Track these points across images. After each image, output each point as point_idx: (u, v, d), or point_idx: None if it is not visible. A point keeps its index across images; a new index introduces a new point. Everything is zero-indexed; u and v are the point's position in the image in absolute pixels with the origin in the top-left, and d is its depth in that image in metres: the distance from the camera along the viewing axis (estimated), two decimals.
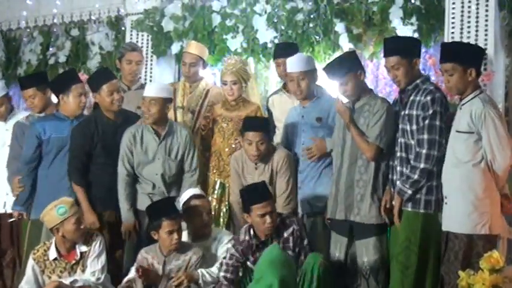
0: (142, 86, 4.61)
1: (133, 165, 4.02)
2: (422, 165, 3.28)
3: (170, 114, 4.30)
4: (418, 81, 3.39)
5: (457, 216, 3.17)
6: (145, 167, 4.00)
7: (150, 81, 5.30)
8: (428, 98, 3.30)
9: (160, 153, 4.00)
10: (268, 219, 3.48)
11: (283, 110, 4.17)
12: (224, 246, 3.71)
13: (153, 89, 3.98)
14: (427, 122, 3.28)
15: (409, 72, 3.38)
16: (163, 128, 4.02)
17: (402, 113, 3.42)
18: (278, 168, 3.85)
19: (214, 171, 4.23)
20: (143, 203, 3.95)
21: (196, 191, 3.85)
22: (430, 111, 3.28)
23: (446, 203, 3.24)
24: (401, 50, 3.38)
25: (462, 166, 3.17)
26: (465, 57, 3.21)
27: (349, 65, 3.52)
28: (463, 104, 3.23)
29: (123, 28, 5.64)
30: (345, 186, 3.55)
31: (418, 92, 3.36)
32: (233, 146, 4.18)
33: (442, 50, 3.29)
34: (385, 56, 3.48)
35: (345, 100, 3.63)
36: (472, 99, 3.19)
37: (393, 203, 3.41)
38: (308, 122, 3.84)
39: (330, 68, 3.59)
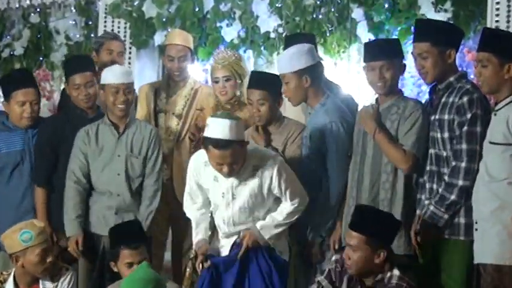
0: None
1: (86, 173, 4.02)
2: (461, 183, 3.24)
3: (148, 119, 4.39)
4: (451, 78, 3.37)
5: (489, 245, 3.13)
6: (103, 170, 4.01)
7: None
8: (465, 99, 3.27)
9: (120, 149, 4.03)
10: None
11: (293, 113, 4.18)
12: None
13: (118, 74, 4.00)
14: (465, 128, 3.24)
15: (439, 64, 3.36)
16: (123, 122, 4.05)
17: (432, 117, 3.40)
18: (293, 137, 3.83)
19: None
20: (100, 224, 3.97)
21: (227, 131, 3.42)
22: (468, 115, 3.25)
23: (476, 229, 3.20)
24: (433, 35, 3.35)
25: (496, 184, 3.13)
26: (505, 48, 3.16)
27: (395, 49, 3.54)
28: (498, 109, 3.19)
29: (94, 14, 5.67)
30: (368, 203, 3.51)
31: (452, 92, 3.34)
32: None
33: (481, 37, 3.26)
34: (414, 41, 3.47)
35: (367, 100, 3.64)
36: (509, 103, 3.16)
37: (415, 229, 3.34)
38: (308, 136, 3.75)
39: (373, 45, 3.63)
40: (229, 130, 3.40)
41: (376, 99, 3.60)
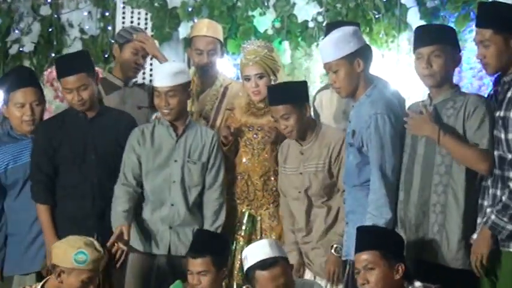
0: (138, 84, 4.73)
1: (138, 176, 4.09)
2: None
3: None
4: None
5: None
6: (157, 176, 4.08)
7: (151, 75, 5.33)
8: None
9: (178, 153, 4.09)
10: None
11: (335, 110, 4.19)
12: None
13: (168, 76, 4.06)
14: None
15: (503, 54, 3.35)
16: (182, 122, 4.12)
17: (496, 114, 3.39)
18: (336, 152, 3.92)
19: (242, 199, 4.26)
20: (153, 241, 4.06)
21: (267, 249, 3.57)
22: None
23: None
24: (497, 20, 3.34)
25: None
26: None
27: (450, 35, 3.55)
28: None
29: (112, 4, 5.65)
30: (416, 211, 3.55)
31: None
32: (266, 164, 4.20)
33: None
34: (476, 25, 3.47)
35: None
36: None
37: (473, 238, 3.37)
38: (349, 132, 3.77)
39: (422, 30, 3.64)
40: (270, 248, 3.54)
41: (429, 95, 3.58)
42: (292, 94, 3.92)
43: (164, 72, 4.09)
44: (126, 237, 3.94)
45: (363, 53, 3.71)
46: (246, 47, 4.30)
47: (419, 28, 3.69)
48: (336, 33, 3.74)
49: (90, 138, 4.13)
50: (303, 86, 4.03)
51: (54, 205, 4.12)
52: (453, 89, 3.53)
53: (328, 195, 3.97)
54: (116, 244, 3.93)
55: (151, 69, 5.44)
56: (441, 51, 3.47)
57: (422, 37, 3.53)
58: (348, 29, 3.77)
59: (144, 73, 5.39)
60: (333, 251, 3.91)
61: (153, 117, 4.35)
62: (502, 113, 3.34)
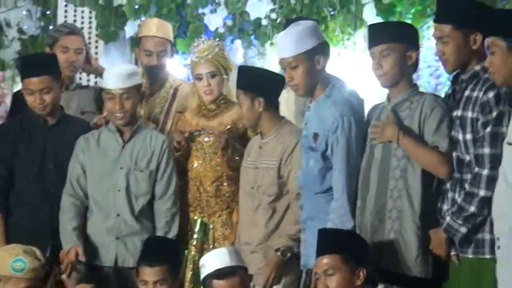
0: (82, 87, 4.71)
1: (84, 185, 4.07)
2: (482, 193, 3.22)
3: None
4: (477, 67, 3.35)
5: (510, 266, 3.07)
6: (101, 183, 4.06)
7: (96, 77, 5.29)
8: (491, 94, 3.23)
9: (124, 159, 4.07)
10: None
11: (294, 111, 4.20)
12: None
13: (122, 77, 4.04)
14: (489, 129, 3.22)
15: (462, 51, 3.36)
16: (130, 128, 4.09)
17: (454, 113, 3.39)
18: (288, 151, 3.89)
19: (194, 206, 4.25)
20: (100, 252, 4.03)
21: (226, 258, 3.56)
22: (494, 114, 3.22)
23: (498, 247, 3.15)
24: (456, 15, 3.35)
25: None
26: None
27: (401, 33, 3.54)
28: None
29: (53, 2, 5.64)
30: (372, 218, 3.54)
31: (477, 84, 3.31)
32: (218, 168, 4.18)
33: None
34: (435, 21, 3.49)
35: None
36: None
37: (433, 245, 3.38)
38: (308, 136, 3.72)
39: (373, 28, 3.64)
40: (229, 257, 3.52)
41: (387, 96, 3.58)
42: (261, 82, 3.92)
43: (118, 73, 4.06)
44: (81, 258, 3.94)
45: (322, 50, 3.69)
46: (196, 46, 4.28)
47: (370, 27, 3.71)
48: (296, 27, 3.70)
49: (50, 146, 4.13)
50: (275, 78, 3.99)
51: (8, 213, 4.11)
52: (411, 89, 3.52)
53: (275, 195, 3.91)
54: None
55: None
56: (391, 50, 3.47)
57: (372, 36, 3.54)
58: (308, 23, 3.75)
59: (88, 74, 5.40)
60: (279, 253, 3.84)
61: (92, 123, 4.29)
62: (459, 113, 3.35)
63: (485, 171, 3.21)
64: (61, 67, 4.49)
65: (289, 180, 3.88)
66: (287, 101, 4.28)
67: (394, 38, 3.49)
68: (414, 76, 3.65)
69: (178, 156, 4.21)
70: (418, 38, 3.63)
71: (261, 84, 3.91)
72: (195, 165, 4.22)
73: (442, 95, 3.74)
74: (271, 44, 4.99)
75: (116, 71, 4.12)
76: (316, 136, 3.66)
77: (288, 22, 4.33)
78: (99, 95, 4.33)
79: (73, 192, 4.05)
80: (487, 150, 3.22)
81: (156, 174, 4.08)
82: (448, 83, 3.90)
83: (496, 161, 3.19)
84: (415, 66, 3.56)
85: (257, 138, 4.05)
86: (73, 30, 4.74)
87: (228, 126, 4.21)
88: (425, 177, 3.43)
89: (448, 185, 3.40)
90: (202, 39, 4.52)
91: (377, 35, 3.53)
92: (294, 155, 3.86)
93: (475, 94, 3.30)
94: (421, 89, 3.81)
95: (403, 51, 3.48)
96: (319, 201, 3.69)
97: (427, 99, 3.46)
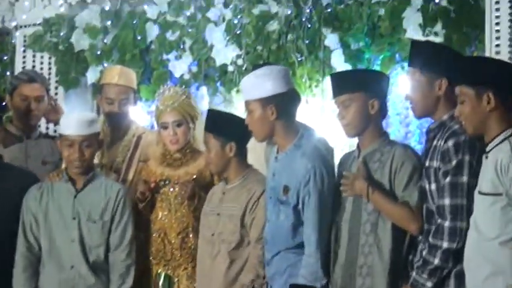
0: (44, 135, 4.69)
1: (38, 238, 4.04)
2: (445, 245, 3.23)
3: None
4: (445, 116, 3.38)
5: None
6: (54, 235, 4.02)
7: (55, 125, 5.25)
8: (450, 143, 3.26)
9: (77, 210, 4.04)
10: None
11: (259, 157, 4.15)
12: None
13: (82, 124, 4.03)
14: (448, 179, 3.23)
15: (428, 97, 3.39)
16: (84, 177, 4.07)
17: (424, 164, 3.39)
18: (253, 200, 3.87)
19: (158, 258, 4.22)
20: None
21: None
22: (454, 163, 3.24)
23: None
24: (424, 60, 3.39)
25: (486, 245, 3.10)
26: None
27: (361, 82, 3.54)
28: (489, 151, 3.16)
29: (10, 47, 5.68)
30: (342, 273, 3.52)
31: (443, 134, 3.34)
32: (184, 220, 4.16)
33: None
34: (409, 64, 3.50)
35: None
36: (499, 143, 3.13)
37: None
38: (276, 188, 3.68)
39: (336, 77, 3.65)
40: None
41: (357, 145, 3.58)
42: (229, 127, 3.91)
43: (77, 119, 4.05)
44: None
45: (281, 100, 3.64)
46: (162, 93, 4.26)
47: (331, 76, 3.72)
48: (259, 71, 3.72)
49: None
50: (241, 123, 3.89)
51: None
52: (381, 138, 3.53)
53: (236, 243, 3.87)
54: None
55: None
56: (352, 100, 3.48)
57: (333, 86, 3.57)
58: (274, 69, 3.75)
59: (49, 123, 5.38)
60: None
61: (47, 178, 4.24)
62: (427, 163, 3.36)
63: (446, 223, 3.22)
64: (20, 115, 4.59)
65: (251, 229, 3.85)
66: (253, 146, 4.18)
67: (354, 87, 3.49)
68: (384, 123, 3.66)
69: (142, 208, 4.18)
70: (383, 84, 3.61)
71: (233, 129, 3.89)
72: (160, 216, 4.19)
73: (412, 144, 3.78)
74: (238, 90, 5.02)
75: (77, 117, 4.10)
76: (286, 189, 3.63)
77: (254, 67, 4.38)
78: None
79: (27, 245, 4.03)
80: (447, 201, 3.23)
81: (111, 225, 4.06)
82: (418, 131, 3.94)
83: (456, 211, 3.21)
84: (383, 113, 3.56)
85: (220, 185, 4.02)
86: (33, 77, 4.71)
87: (194, 176, 4.18)
88: (396, 232, 3.43)
89: (419, 238, 3.41)
90: (168, 86, 4.49)
91: (337, 85, 3.55)
92: (260, 203, 3.84)
93: (438, 143, 3.32)
94: (392, 137, 3.83)
95: (364, 100, 3.49)
96: (289, 256, 3.65)
97: (397, 151, 3.46)
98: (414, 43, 3.60)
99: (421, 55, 3.41)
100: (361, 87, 3.50)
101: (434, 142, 3.34)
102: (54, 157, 4.53)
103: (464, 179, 3.21)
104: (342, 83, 3.53)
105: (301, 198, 3.58)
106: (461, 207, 3.20)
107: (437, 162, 3.28)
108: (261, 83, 3.63)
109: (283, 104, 3.64)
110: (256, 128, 3.69)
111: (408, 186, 3.40)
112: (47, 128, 5.42)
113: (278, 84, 3.65)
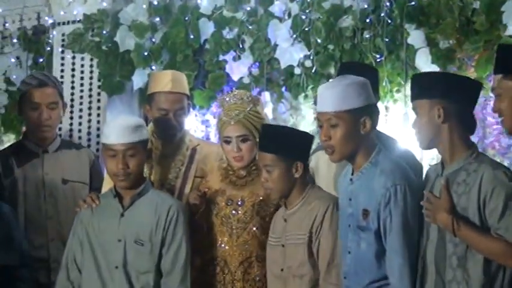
0: (69, 145, 4.57)
1: (82, 268, 3.95)
2: None
3: None
4: None
5: None
6: (96, 261, 3.92)
7: (98, 137, 5.22)
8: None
9: (122, 231, 3.89)
10: None
11: (335, 175, 3.95)
12: None
13: (126, 130, 3.88)
14: None
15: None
16: (130, 192, 3.94)
17: None
18: (318, 221, 3.71)
19: None
20: None
21: None
22: None
23: None
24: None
25: None
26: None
27: (445, 87, 3.36)
28: None
29: (47, 48, 5.61)
30: None
31: None
32: (247, 247, 3.96)
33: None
34: (494, 72, 3.32)
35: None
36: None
37: None
38: (355, 214, 3.57)
39: (417, 79, 3.49)
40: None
41: (441, 162, 3.40)
42: (284, 143, 3.75)
43: (120, 126, 3.91)
44: None
45: (372, 112, 3.55)
46: (225, 101, 4.06)
47: (415, 76, 3.58)
48: (344, 81, 3.57)
49: None
50: (303, 137, 3.81)
51: None
52: (467, 152, 3.34)
53: (310, 277, 3.72)
54: None
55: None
56: (426, 105, 3.35)
57: (411, 88, 3.47)
58: (359, 79, 3.59)
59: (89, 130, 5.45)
60: None
61: (78, 205, 4.06)
62: None
63: None
64: (32, 127, 4.45)
65: (319, 258, 3.71)
66: (328, 162, 3.94)
67: (433, 93, 3.34)
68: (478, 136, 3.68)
69: (198, 218, 4.05)
70: (471, 92, 3.43)
71: (298, 145, 3.76)
72: (219, 242, 4.00)
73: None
74: (306, 96, 4.95)
75: (119, 123, 3.94)
76: (366, 213, 3.49)
77: (342, 65, 4.36)
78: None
79: (67, 276, 3.93)
80: None
81: (161, 248, 3.89)
82: None
83: None
84: (467, 125, 3.39)
85: (281, 210, 3.88)
86: (43, 81, 4.50)
87: (261, 198, 3.95)
88: (489, 267, 3.26)
89: None
90: (233, 92, 4.28)
91: (421, 88, 3.38)
92: (324, 227, 3.70)
93: None
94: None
95: (441, 107, 3.36)
96: None
97: (485, 173, 3.26)
98: (501, 47, 3.37)
99: (509, 59, 3.25)
100: (441, 93, 3.34)
101: None
102: (80, 174, 4.44)
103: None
104: (422, 87, 3.38)
105: (382, 221, 3.44)
106: None
107: None
108: (353, 92, 3.53)
109: (374, 116, 3.58)
110: (343, 145, 3.55)
111: (503, 216, 3.21)
112: (80, 138, 5.40)
113: (369, 95, 3.58)
